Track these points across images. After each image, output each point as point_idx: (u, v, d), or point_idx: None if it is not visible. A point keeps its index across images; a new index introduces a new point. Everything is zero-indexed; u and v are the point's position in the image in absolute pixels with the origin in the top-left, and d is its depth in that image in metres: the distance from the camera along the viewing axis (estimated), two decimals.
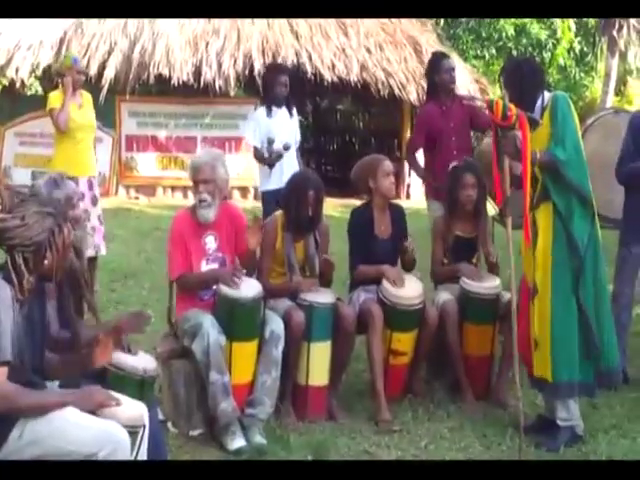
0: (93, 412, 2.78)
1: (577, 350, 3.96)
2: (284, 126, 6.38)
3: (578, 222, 3.96)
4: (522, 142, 3.83)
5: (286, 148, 6.16)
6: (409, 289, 4.47)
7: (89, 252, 6.45)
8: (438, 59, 5.85)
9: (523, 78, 4.04)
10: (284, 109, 6.44)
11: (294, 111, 6.53)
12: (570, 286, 3.95)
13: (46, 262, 2.80)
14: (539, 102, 4.04)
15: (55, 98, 6.49)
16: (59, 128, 6.39)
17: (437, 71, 5.66)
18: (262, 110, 6.44)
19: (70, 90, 6.38)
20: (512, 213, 3.99)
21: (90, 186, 6.46)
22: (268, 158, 6.17)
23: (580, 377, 3.98)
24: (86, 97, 6.66)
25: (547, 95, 4.06)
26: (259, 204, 7.16)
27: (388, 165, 4.66)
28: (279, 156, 6.14)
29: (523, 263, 4.13)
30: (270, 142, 6.19)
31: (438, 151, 5.60)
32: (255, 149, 6.41)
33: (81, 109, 6.52)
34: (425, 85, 6.56)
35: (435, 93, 5.71)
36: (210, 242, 4.27)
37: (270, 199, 6.08)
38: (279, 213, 4.51)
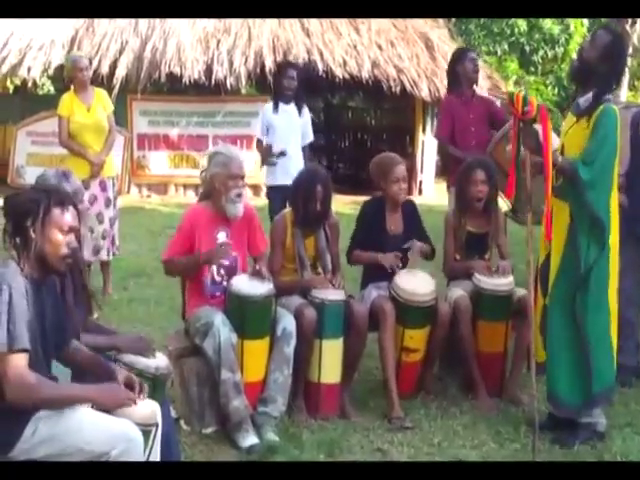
0: (105, 410, 2.77)
1: (573, 366, 3.87)
2: (289, 123, 6.39)
3: (589, 239, 3.80)
4: (543, 136, 3.73)
5: (281, 154, 6.25)
6: (421, 285, 4.44)
7: (101, 256, 6.43)
8: (461, 50, 6.27)
9: (610, 53, 3.77)
10: (292, 106, 6.44)
11: (305, 110, 6.54)
12: (569, 299, 3.84)
13: (30, 233, 2.74)
14: (592, 93, 3.77)
15: (63, 104, 6.39)
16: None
17: (460, 61, 5.84)
18: (269, 105, 6.53)
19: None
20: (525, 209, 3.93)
21: (103, 188, 6.38)
22: (265, 161, 6.45)
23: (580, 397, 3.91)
24: (98, 95, 6.47)
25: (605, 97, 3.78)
26: None
27: (400, 171, 4.59)
28: (273, 163, 6.31)
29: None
30: (269, 148, 6.34)
31: (457, 141, 5.75)
32: (258, 141, 6.54)
33: (90, 111, 6.37)
34: (436, 81, 6.68)
35: (457, 85, 5.86)
36: (222, 238, 4.20)
37: (274, 195, 6.20)
38: (288, 210, 4.50)
